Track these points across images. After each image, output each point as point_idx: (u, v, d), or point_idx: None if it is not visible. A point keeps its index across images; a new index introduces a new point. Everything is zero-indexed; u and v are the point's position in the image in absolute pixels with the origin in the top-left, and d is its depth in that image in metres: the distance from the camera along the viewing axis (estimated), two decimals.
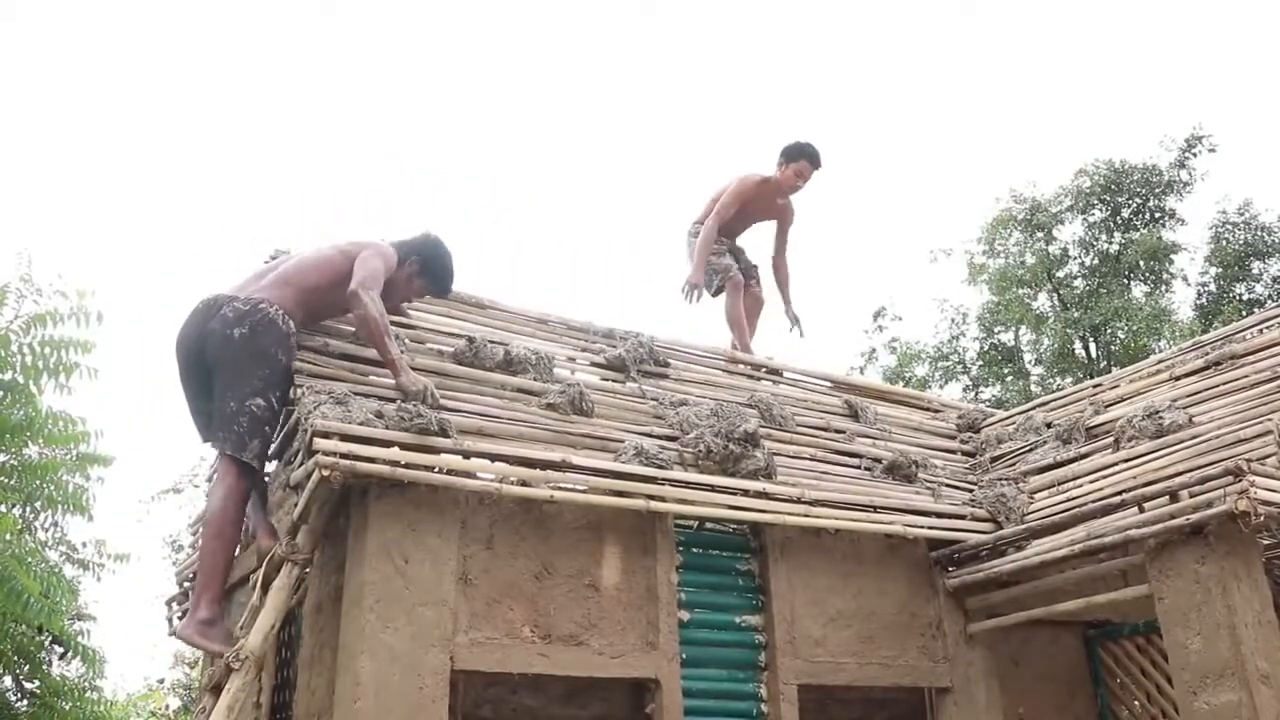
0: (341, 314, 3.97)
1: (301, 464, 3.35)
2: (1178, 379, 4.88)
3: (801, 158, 6.10)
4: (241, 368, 3.59)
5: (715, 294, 6.07)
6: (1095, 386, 5.54)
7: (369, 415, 3.33)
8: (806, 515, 3.96)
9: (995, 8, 40.59)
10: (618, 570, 3.64)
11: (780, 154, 6.13)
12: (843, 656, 3.98)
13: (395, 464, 3.20)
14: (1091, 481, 4.37)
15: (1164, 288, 16.49)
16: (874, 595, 4.15)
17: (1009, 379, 17.24)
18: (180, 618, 5.24)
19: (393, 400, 3.51)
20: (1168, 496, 3.64)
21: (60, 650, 6.15)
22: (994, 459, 5.30)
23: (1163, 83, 36.90)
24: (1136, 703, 4.49)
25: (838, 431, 5.03)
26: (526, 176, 45.76)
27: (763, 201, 6.21)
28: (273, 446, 3.81)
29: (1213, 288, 16.18)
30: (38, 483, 5.87)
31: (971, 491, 4.72)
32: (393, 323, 3.92)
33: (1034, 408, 5.73)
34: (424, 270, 4.12)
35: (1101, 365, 15.62)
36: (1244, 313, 13.53)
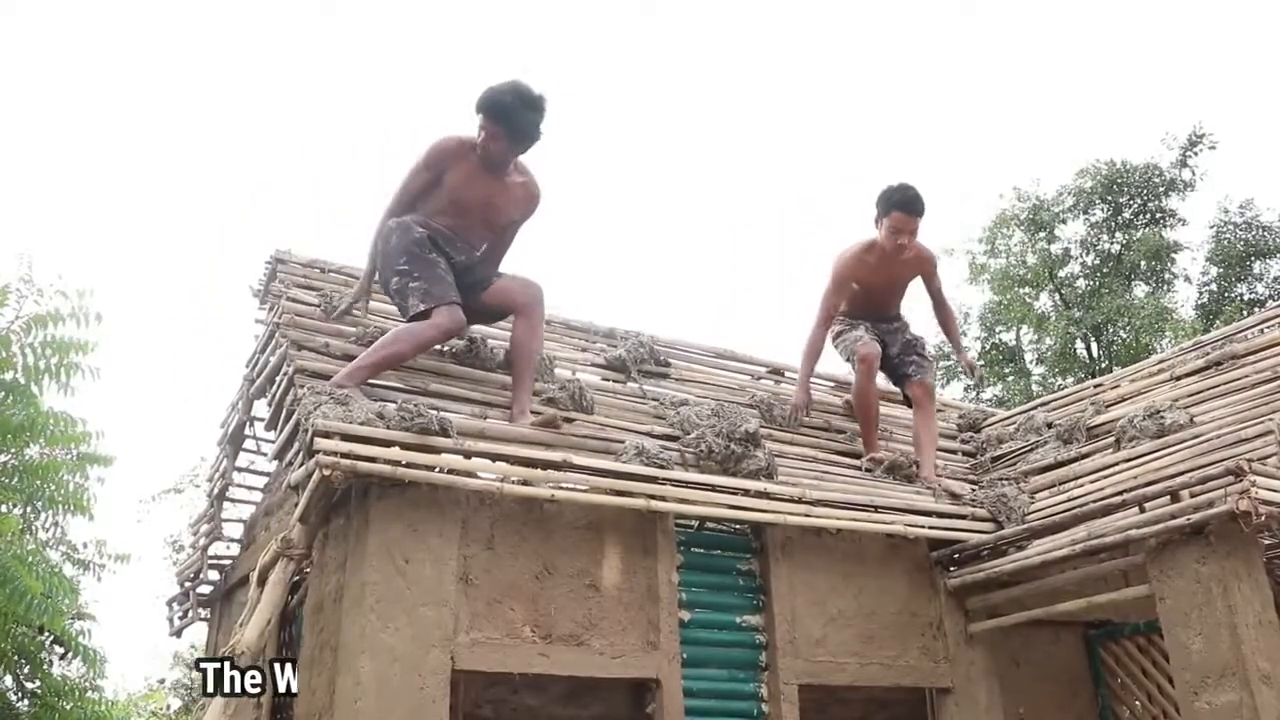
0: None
1: (302, 464, 3.35)
2: (1179, 379, 4.88)
3: (889, 208, 4.77)
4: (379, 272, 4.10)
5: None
6: (1096, 386, 5.55)
7: (370, 415, 3.33)
8: (807, 515, 3.96)
9: (995, 8, 40.59)
10: (618, 570, 3.64)
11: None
12: (843, 656, 3.97)
13: (396, 464, 3.20)
14: (1092, 481, 4.37)
15: (1165, 287, 16.46)
16: (875, 595, 4.15)
17: (1010, 378, 17.22)
18: (181, 617, 5.28)
19: (394, 400, 3.51)
20: (1168, 496, 3.64)
21: (61, 650, 6.14)
22: (995, 459, 5.30)
23: (1163, 83, 36.90)
24: (1137, 703, 4.48)
25: (838, 431, 5.03)
26: None
27: (882, 269, 5.01)
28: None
29: (1214, 287, 16.15)
30: (39, 483, 5.87)
31: (972, 491, 4.71)
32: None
33: (1035, 407, 5.73)
34: (487, 121, 3.92)
35: (1103, 365, 15.60)
36: (1245, 312, 13.51)
